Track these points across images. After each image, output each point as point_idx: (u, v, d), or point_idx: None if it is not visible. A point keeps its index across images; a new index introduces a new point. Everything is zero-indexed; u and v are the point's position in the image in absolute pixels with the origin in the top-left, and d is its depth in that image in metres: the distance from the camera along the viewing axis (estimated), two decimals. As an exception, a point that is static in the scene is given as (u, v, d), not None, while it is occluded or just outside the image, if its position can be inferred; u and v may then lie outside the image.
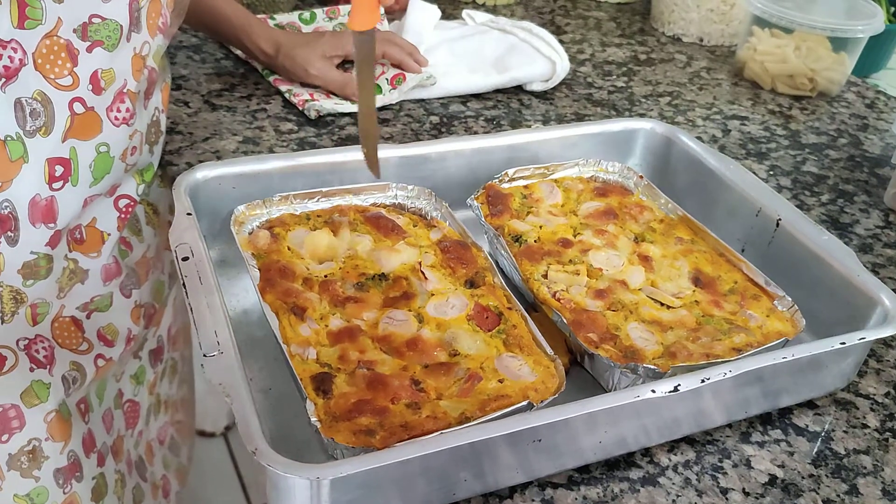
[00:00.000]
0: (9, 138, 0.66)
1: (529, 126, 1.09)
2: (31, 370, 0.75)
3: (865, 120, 1.23)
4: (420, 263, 0.74)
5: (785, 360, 0.64)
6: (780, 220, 0.81)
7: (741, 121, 1.18)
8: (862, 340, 0.67)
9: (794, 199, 1.01)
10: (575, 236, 0.81)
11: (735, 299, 0.74)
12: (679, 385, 0.60)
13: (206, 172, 0.78)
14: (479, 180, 0.86)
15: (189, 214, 0.71)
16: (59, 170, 0.70)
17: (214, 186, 0.79)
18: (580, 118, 1.12)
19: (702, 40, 1.44)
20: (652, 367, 0.64)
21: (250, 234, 0.75)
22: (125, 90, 0.73)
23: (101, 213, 0.78)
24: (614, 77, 1.26)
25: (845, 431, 0.68)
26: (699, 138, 1.09)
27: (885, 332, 0.68)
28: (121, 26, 0.70)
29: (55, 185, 0.71)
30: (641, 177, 0.89)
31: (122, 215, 0.80)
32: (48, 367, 0.76)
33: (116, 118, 0.73)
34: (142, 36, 0.73)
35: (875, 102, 1.29)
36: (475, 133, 1.05)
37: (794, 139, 1.15)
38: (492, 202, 0.83)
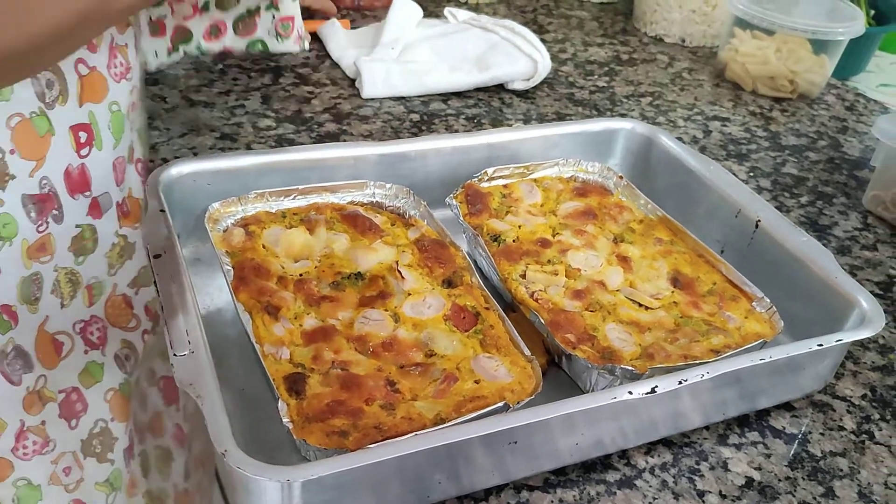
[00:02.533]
0: (33, 114, 0.65)
1: (510, 125, 1.08)
2: (86, 352, 0.75)
3: (845, 122, 1.24)
4: (397, 262, 0.73)
5: (762, 361, 0.63)
6: (759, 221, 0.81)
7: (722, 122, 1.19)
8: (839, 342, 0.66)
9: (774, 200, 1.01)
10: (554, 236, 0.80)
11: (713, 300, 0.74)
12: (656, 387, 0.60)
13: (180, 168, 0.76)
14: (459, 179, 0.85)
15: (162, 211, 0.70)
16: (83, 136, 0.70)
17: (189, 183, 0.77)
18: (561, 118, 1.12)
19: (684, 41, 1.44)
20: (629, 368, 0.63)
21: (224, 231, 0.74)
22: (114, 45, 0.72)
23: (131, 181, 0.77)
24: (596, 77, 1.26)
25: (822, 434, 0.68)
26: (680, 139, 1.09)
27: (861, 334, 0.68)
28: None
29: (83, 152, 0.70)
30: (621, 177, 0.88)
31: (144, 179, 0.80)
32: (101, 347, 0.76)
33: (116, 74, 0.72)
34: None
35: (855, 105, 1.30)
36: (455, 131, 1.04)
37: (774, 141, 1.15)
38: (471, 201, 0.82)
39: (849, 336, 0.67)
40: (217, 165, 0.79)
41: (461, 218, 0.80)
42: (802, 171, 1.09)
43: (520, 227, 0.80)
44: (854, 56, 1.44)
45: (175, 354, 0.56)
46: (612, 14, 1.53)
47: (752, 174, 1.06)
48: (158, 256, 0.65)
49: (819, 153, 1.14)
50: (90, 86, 0.70)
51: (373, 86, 1.11)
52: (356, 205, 0.80)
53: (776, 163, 1.09)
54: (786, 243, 0.78)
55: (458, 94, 1.14)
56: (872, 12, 1.70)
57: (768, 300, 0.73)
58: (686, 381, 0.61)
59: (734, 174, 0.95)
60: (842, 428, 0.69)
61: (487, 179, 0.86)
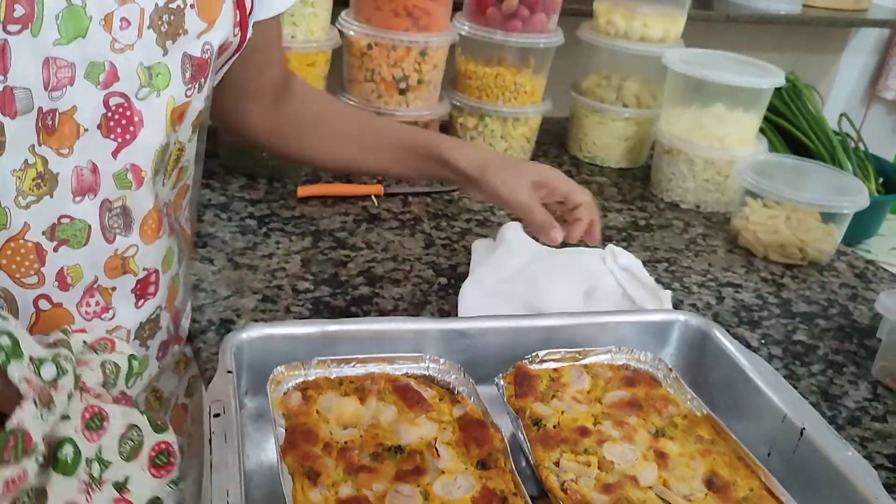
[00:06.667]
0: None
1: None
2: None
3: (855, 290, 1.27)
4: (436, 440, 0.77)
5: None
6: (804, 429, 0.81)
7: (735, 288, 1.23)
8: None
9: (785, 368, 1.04)
10: (595, 425, 0.82)
11: (748, 510, 0.74)
12: None
13: (252, 332, 0.84)
14: (514, 358, 0.89)
15: (229, 372, 0.78)
16: None
17: (261, 345, 0.85)
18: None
19: (699, 207, 1.51)
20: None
21: (285, 394, 0.81)
22: (95, 286, 0.76)
23: None
24: (615, 242, 1.32)
25: None
26: (693, 306, 1.15)
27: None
28: (89, 226, 0.73)
29: None
30: (671, 370, 0.90)
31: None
32: None
33: (87, 313, 0.77)
34: (129, 240, 0.77)
35: (864, 272, 1.33)
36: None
37: (785, 308, 1.19)
38: (518, 383, 0.86)
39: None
40: (287, 331, 0.86)
41: (505, 399, 0.84)
42: (813, 338, 1.12)
43: (562, 412, 0.83)
44: (865, 222, 1.57)
45: (212, 515, 0.62)
46: (630, 179, 1.62)
47: (763, 342, 1.09)
48: (217, 416, 0.72)
49: (829, 321, 1.17)
50: (47, 320, 0.73)
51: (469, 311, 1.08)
52: (409, 377, 0.86)
53: (787, 330, 1.13)
54: (830, 455, 0.78)
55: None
56: (881, 179, 1.77)
57: (804, 516, 0.72)
58: None
59: (747, 342, 1.00)
60: None
61: (539, 361, 0.89)
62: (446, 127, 1.60)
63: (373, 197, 1.39)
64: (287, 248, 1.20)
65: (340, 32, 1.42)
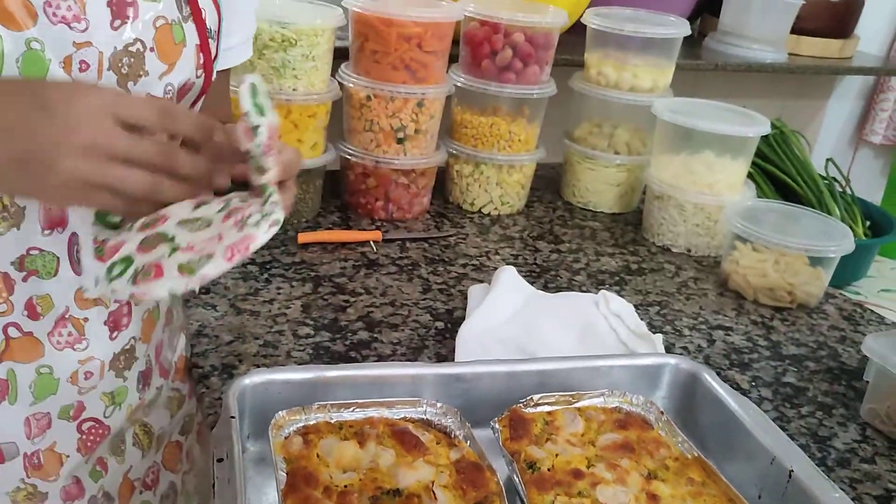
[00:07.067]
0: None
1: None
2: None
3: (843, 332, 1.30)
4: (433, 483, 0.79)
5: None
6: (792, 471, 0.83)
7: (725, 331, 1.25)
8: None
9: (775, 410, 1.06)
10: (588, 468, 0.85)
11: (738, 549, 0.76)
12: None
13: (254, 378, 0.87)
14: (509, 401, 0.92)
15: (233, 417, 0.80)
16: None
17: (262, 390, 0.87)
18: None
19: (689, 251, 1.55)
20: None
21: (286, 438, 0.83)
22: (67, 316, 0.78)
23: (61, 436, 0.83)
24: (607, 286, 1.34)
25: None
26: (685, 348, 1.17)
27: None
28: (57, 258, 0.76)
29: None
30: (662, 412, 0.93)
31: (86, 437, 0.85)
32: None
33: (59, 342, 0.78)
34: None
35: (852, 315, 1.36)
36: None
37: (775, 350, 1.21)
38: (513, 426, 0.88)
39: None
40: (288, 377, 0.89)
41: (500, 442, 0.86)
42: (802, 380, 1.14)
43: (557, 455, 0.86)
44: (853, 264, 1.62)
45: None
46: (622, 224, 1.65)
47: (753, 384, 1.11)
48: (221, 460, 0.74)
49: (818, 363, 1.19)
50: (19, 347, 0.75)
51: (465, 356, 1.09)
52: (408, 421, 0.88)
53: (777, 372, 1.15)
54: (819, 497, 0.80)
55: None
56: (868, 223, 1.81)
57: (793, 555, 0.74)
58: None
59: (737, 385, 1.02)
60: None
61: (533, 405, 0.92)
62: (443, 174, 1.64)
63: (371, 243, 1.42)
64: (288, 293, 1.22)
65: (340, 85, 1.46)
